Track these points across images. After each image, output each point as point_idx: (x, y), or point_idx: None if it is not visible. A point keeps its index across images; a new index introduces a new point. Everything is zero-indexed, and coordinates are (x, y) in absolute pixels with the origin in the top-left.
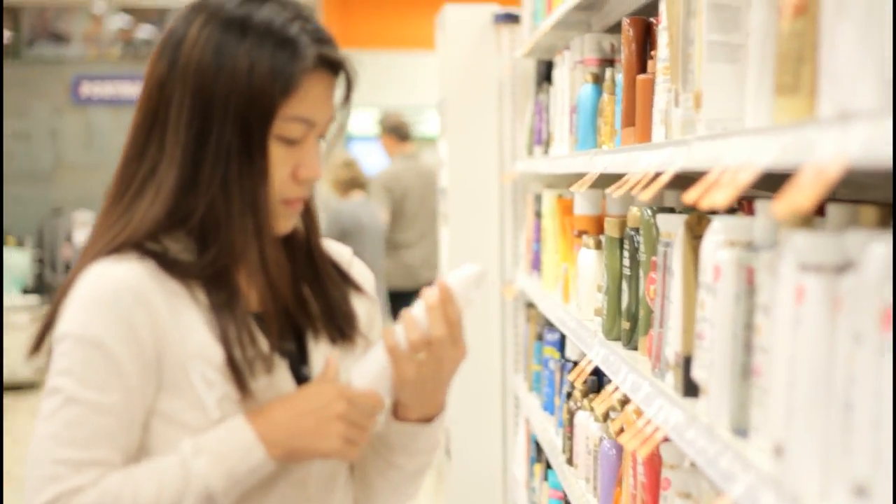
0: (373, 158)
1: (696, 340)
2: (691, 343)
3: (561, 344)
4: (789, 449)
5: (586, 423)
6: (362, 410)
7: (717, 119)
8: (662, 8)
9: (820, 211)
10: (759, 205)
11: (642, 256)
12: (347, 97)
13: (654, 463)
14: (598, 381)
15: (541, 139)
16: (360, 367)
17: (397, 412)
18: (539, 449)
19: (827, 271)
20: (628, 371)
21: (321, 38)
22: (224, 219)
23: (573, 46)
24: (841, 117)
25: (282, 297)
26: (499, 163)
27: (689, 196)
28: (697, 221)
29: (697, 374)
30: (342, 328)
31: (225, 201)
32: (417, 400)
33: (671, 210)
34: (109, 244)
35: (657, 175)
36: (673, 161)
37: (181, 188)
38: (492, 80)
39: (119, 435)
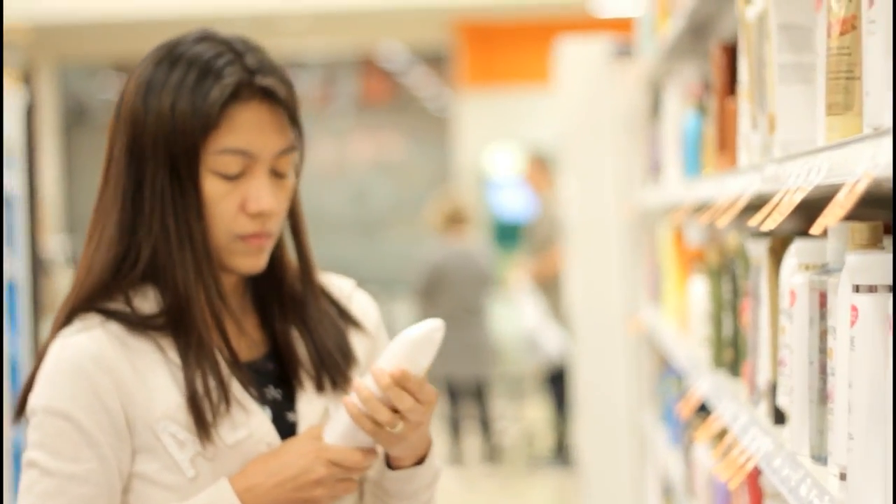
0: (513, 201)
1: (779, 367)
2: (776, 370)
3: (681, 375)
4: (851, 474)
5: (702, 455)
6: (344, 471)
7: (791, 141)
8: (739, 32)
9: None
10: (832, 227)
11: (741, 284)
12: (298, 132)
13: (756, 493)
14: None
15: (655, 169)
16: (334, 422)
17: (389, 461)
18: (667, 483)
19: (880, 291)
20: (729, 400)
21: (255, 69)
22: (166, 261)
23: (679, 75)
24: (875, 134)
25: (258, 338)
26: (618, 196)
27: (754, 221)
28: (781, 246)
29: (781, 400)
30: (332, 375)
31: (165, 243)
32: (404, 451)
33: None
34: (67, 305)
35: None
36: (751, 185)
37: (120, 233)
38: (609, 113)
39: (97, 502)
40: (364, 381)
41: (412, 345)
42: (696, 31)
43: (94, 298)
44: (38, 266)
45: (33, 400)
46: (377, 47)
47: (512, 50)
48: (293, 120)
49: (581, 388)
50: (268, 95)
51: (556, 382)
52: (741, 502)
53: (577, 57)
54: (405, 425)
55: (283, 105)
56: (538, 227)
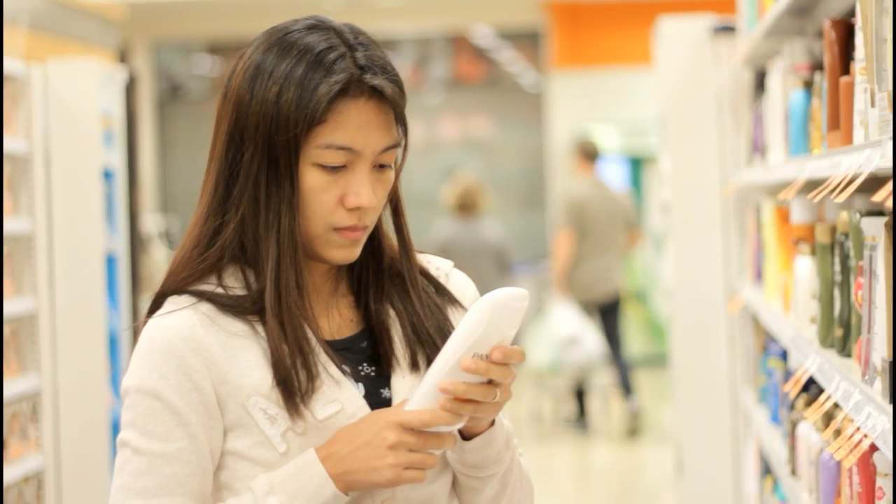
0: (611, 175)
1: None
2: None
3: (785, 354)
4: None
5: (807, 434)
6: (418, 435)
7: None
8: (857, 8)
9: None
10: None
11: (852, 262)
12: (404, 129)
13: (868, 472)
14: (820, 389)
15: (758, 148)
16: (414, 394)
17: (461, 433)
18: (768, 462)
19: None
20: (840, 379)
21: (367, 66)
22: (252, 247)
23: (784, 53)
24: None
25: (353, 317)
26: (720, 175)
27: (878, 197)
28: None
29: None
30: (428, 353)
31: (252, 229)
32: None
33: (880, 213)
34: (161, 286)
35: (854, 178)
36: (870, 162)
37: (209, 213)
38: (710, 92)
39: (189, 481)
40: (449, 364)
41: (495, 308)
42: (801, 9)
43: (186, 279)
44: (136, 242)
45: (126, 380)
46: (470, 27)
47: (604, 29)
48: (399, 117)
49: (679, 367)
50: (376, 93)
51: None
52: (850, 481)
53: (677, 34)
54: (501, 392)
55: (391, 103)
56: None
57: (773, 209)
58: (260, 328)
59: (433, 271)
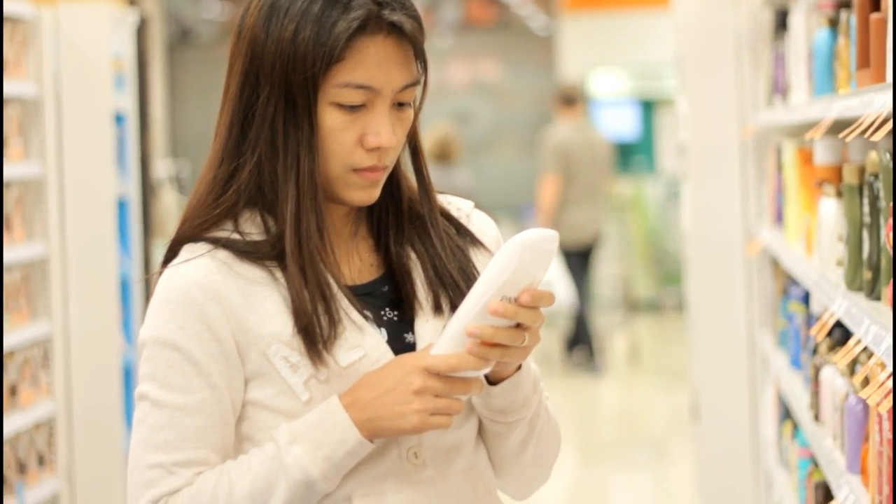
0: (617, 122)
1: None
2: None
3: (806, 298)
4: None
5: (832, 379)
6: (443, 380)
7: None
8: None
9: None
10: None
11: (882, 203)
12: (423, 67)
13: None
14: (844, 334)
15: (779, 89)
16: (440, 338)
17: (487, 378)
18: (787, 407)
19: None
20: (870, 322)
21: (385, 2)
22: (270, 191)
23: None
24: None
25: (373, 261)
26: (739, 116)
27: None
28: None
29: None
30: (451, 295)
31: (270, 172)
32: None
33: None
34: (176, 234)
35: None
36: None
37: (223, 156)
38: (729, 33)
39: (210, 433)
40: (477, 308)
41: (524, 250)
42: None
43: (201, 226)
44: (147, 186)
45: (143, 332)
46: None
47: None
48: (418, 53)
49: (696, 310)
50: (395, 29)
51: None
52: (879, 427)
53: None
54: (530, 336)
55: (410, 39)
56: (541, 153)
57: (794, 150)
58: (279, 274)
59: (454, 212)
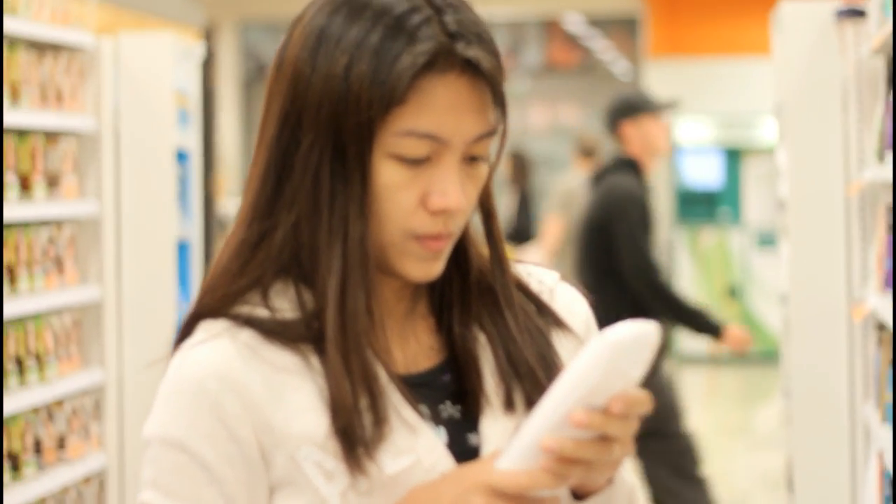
0: (701, 170)
1: None
2: None
3: None
4: None
5: None
6: (511, 501)
7: None
8: None
9: None
10: None
11: None
12: (502, 112)
13: None
14: None
15: (892, 143)
16: (510, 445)
17: (573, 491)
18: (894, 486)
19: None
20: None
21: (458, 32)
22: (310, 259)
23: None
24: None
25: (433, 344)
26: (844, 171)
27: None
28: None
29: None
30: (526, 388)
31: (311, 235)
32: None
33: None
34: (193, 308)
35: None
36: None
37: (254, 214)
38: (835, 82)
39: None
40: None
41: (615, 351)
42: None
43: (223, 299)
44: (211, 227)
45: (147, 428)
46: (563, 12)
47: (702, 17)
48: (497, 97)
49: (793, 377)
50: (470, 67)
51: None
52: None
53: (798, 20)
54: (621, 448)
55: (488, 79)
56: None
57: None
58: (315, 360)
59: (534, 286)
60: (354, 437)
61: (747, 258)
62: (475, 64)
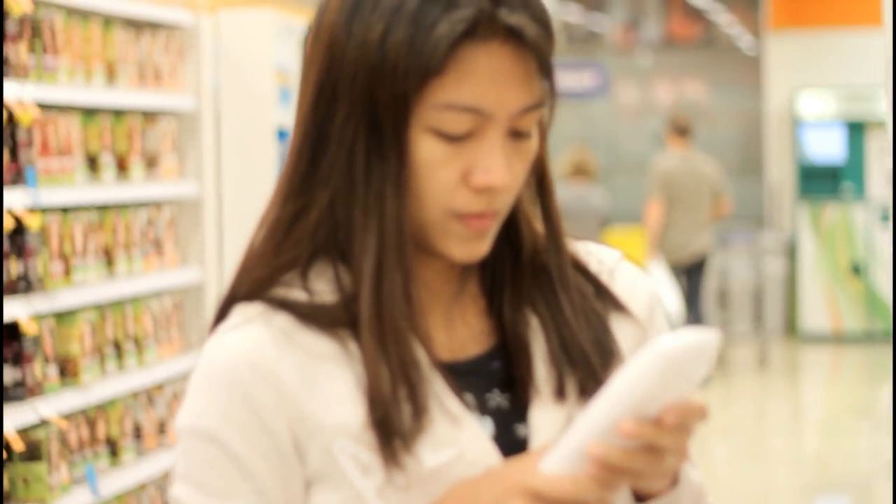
0: (824, 145)
1: None
2: None
3: None
4: None
5: None
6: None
7: None
8: None
9: None
10: None
11: None
12: (550, 84)
13: None
14: None
15: None
16: (559, 444)
17: (634, 492)
18: None
19: None
20: None
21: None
22: (346, 239)
23: None
24: None
25: (482, 329)
26: None
27: None
28: None
29: None
30: (580, 376)
31: (345, 214)
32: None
33: None
34: (228, 290)
35: None
36: None
37: (288, 192)
38: None
39: None
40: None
41: (668, 362)
42: None
43: (258, 281)
44: None
45: (179, 418)
46: None
47: None
48: (543, 67)
49: None
50: (513, 35)
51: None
52: None
53: None
54: (673, 458)
55: (533, 48)
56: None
57: None
58: (353, 346)
59: (593, 265)
60: (391, 428)
61: (871, 234)
62: (518, 32)
